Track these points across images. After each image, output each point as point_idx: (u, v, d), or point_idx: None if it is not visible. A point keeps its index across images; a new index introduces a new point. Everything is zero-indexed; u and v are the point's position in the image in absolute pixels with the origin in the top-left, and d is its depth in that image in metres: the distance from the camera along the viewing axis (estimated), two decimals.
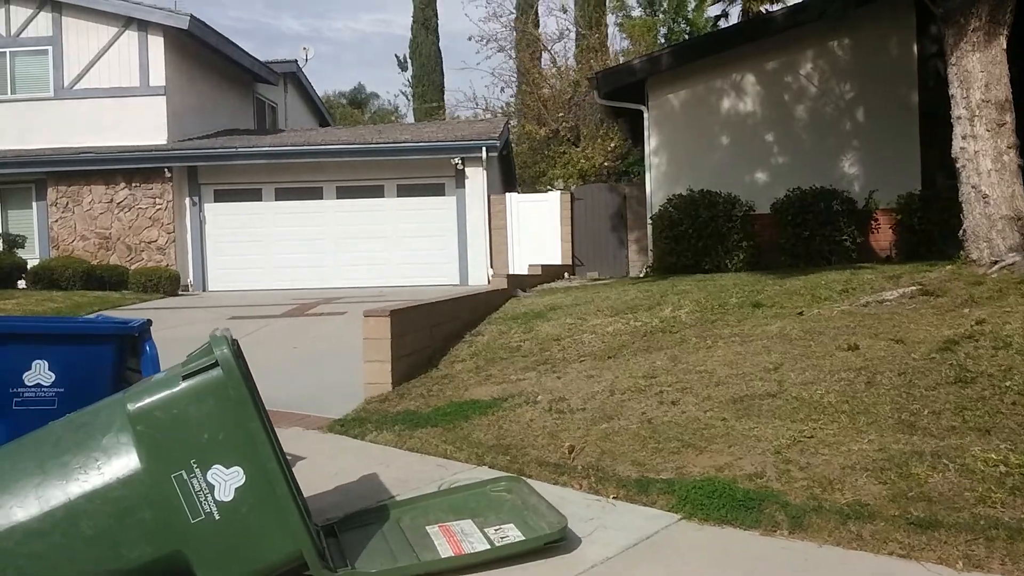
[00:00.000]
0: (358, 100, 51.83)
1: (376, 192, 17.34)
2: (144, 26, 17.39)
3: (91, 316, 5.15)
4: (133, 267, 16.71)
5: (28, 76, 17.70)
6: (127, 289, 15.82)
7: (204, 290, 17.15)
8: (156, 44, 17.42)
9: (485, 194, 16.52)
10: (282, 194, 17.50)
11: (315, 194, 17.48)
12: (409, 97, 40.25)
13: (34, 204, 17.62)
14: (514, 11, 25.12)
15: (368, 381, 6.04)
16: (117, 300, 13.80)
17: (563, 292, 10.07)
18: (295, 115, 25.15)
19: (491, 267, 16.52)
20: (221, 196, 17.61)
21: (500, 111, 23.25)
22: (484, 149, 16.14)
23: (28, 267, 16.03)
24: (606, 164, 20.92)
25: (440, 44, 36.25)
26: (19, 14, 17.61)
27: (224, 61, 19.72)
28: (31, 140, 17.46)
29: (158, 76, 17.51)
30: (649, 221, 10.71)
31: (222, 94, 20.37)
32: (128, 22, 17.40)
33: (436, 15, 36.77)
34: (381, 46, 64.15)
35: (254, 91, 22.21)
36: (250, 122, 21.74)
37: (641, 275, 10.95)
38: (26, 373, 3.59)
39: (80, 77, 17.57)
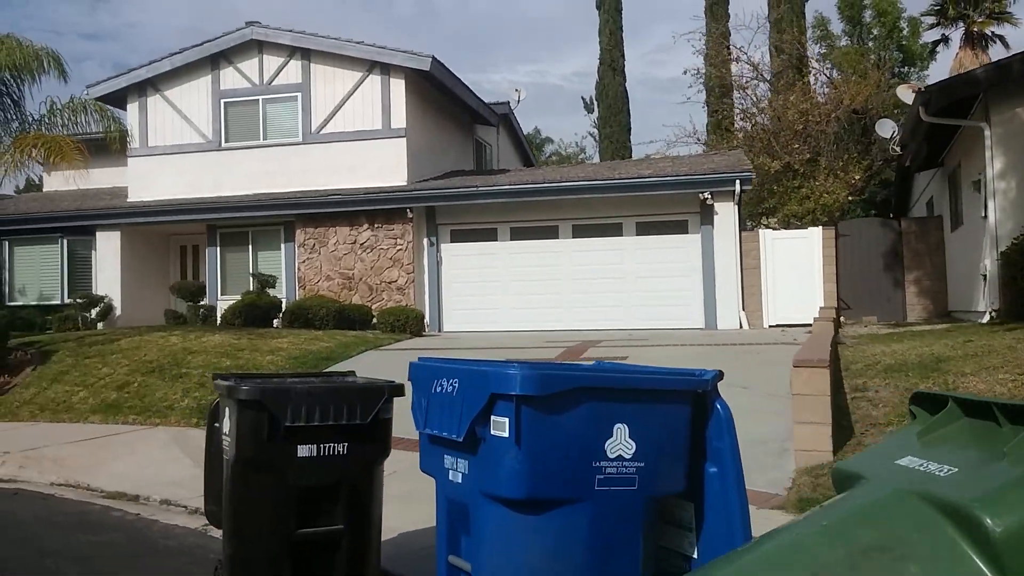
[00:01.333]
0: (532, 143, 52.34)
1: (614, 230, 16.67)
2: (387, 69, 17.74)
3: (642, 366, 4.39)
4: (374, 307, 16.84)
5: (278, 122, 18.47)
6: (373, 329, 15.89)
7: (440, 330, 17.00)
8: (397, 87, 17.71)
9: (736, 231, 15.44)
10: (517, 234, 17.17)
11: (551, 233, 17.04)
12: (596, 139, 39.89)
13: (282, 245, 18.23)
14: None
15: (801, 448, 5.11)
16: (374, 340, 13.75)
17: (898, 340, 8.78)
18: (505, 156, 25.18)
19: (743, 310, 15.33)
20: (457, 236, 17.53)
21: (724, 145, 22.11)
22: (738, 182, 15.11)
23: (282, 306, 16.49)
24: (851, 198, 19.28)
25: (626, 85, 35.94)
26: (271, 63, 18.47)
27: (452, 102, 19.89)
28: (280, 184, 18.11)
29: (399, 118, 17.76)
30: (997, 259, 9.31)
31: (449, 136, 20.55)
32: (372, 66, 17.81)
33: (623, 56, 36.44)
34: (553, 91, 64.69)
35: (473, 132, 22.33)
36: (470, 163, 21.83)
37: (983, 321, 9.49)
38: (608, 442, 2.89)
39: (327, 122, 18.13)
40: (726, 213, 15.50)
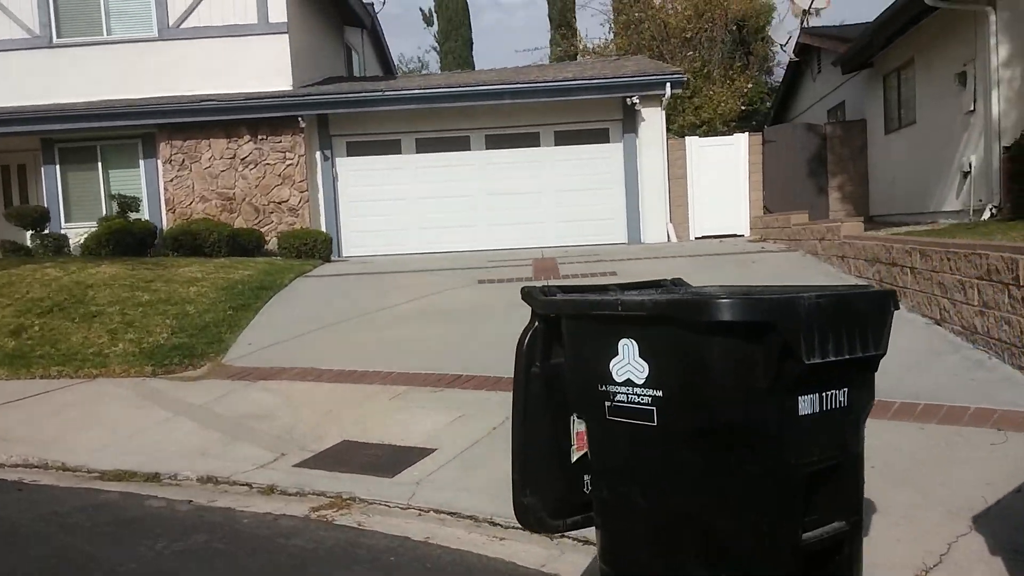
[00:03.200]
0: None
1: (531, 140, 15.57)
2: None
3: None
4: (264, 230, 14.78)
5: (126, 13, 15.41)
6: (270, 255, 13.93)
7: (339, 255, 15.25)
8: None
9: (663, 138, 14.89)
10: (424, 145, 15.62)
11: (461, 144, 15.64)
12: (439, 53, 38.14)
13: (141, 162, 15.46)
14: None
15: None
16: (298, 267, 11.91)
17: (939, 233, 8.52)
18: (370, 66, 23.04)
19: (670, 222, 14.94)
20: (355, 149, 15.68)
21: (608, 51, 21.46)
22: (668, 85, 14.45)
23: (156, 233, 14.02)
24: (743, 108, 19.40)
25: None
26: None
27: None
28: (133, 88, 15.23)
29: (278, 10, 15.35)
30: (1003, 152, 9.26)
31: (323, 37, 18.27)
32: None
33: None
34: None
35: (343, 35, 20.07)
36: (342, 69, 19.66)
37: (982, 219, 9.48)
38: None
39: (188, 13, 15.34)
40: (653, 119, 14.86)
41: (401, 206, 15.51)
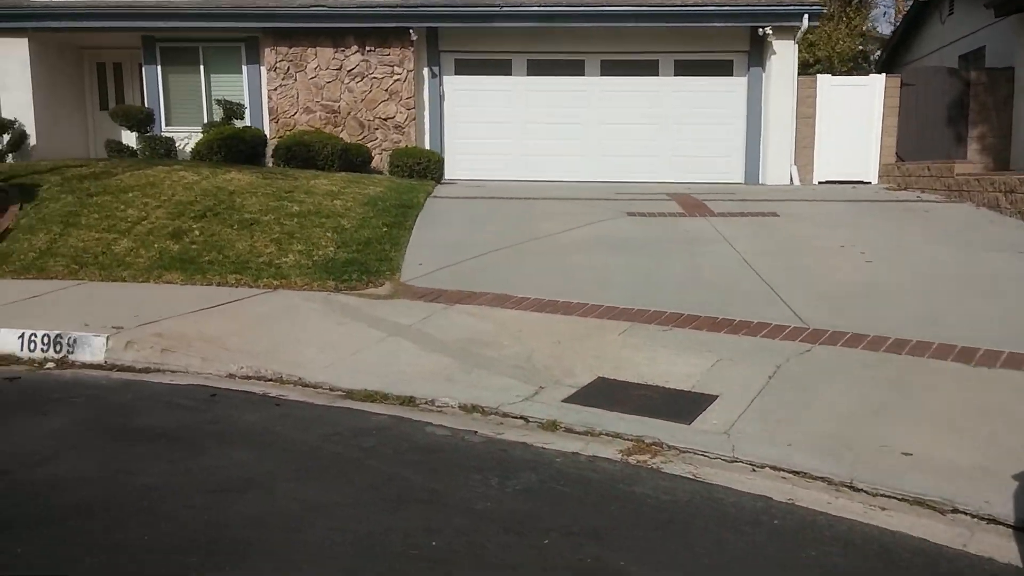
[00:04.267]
0: None
1: (649, 69, 14.79)
2: None
3: None
4: (369, 147, 14.29)
5: None
6: (378, 172, 13.50)
7: (444, 178, 14.74)
8: None
9: (794, 74, 14.05)
10: (536, 68, 14.90)
11: (575, 69, 14.91)
12: None
13: (244, 67, 14.92)
14: None
15: None
16: (419, 186, 11.45)
17: None
18: None
19: (794, 164, 14.23)
20: (463, 67, 15.00)
21: None
22: (806, 17, 13.57)
23: (266, 142, 13.60)
24: (861, 47, 18.36)
25: None
26: None
27: None
28: None
29: None
30: None
31: None
32: None
33: None
34: None
35: None
36: None
37: None
38: None
39: None
40: (785, 53, 14.02)
41: (509, 130, 14.90)
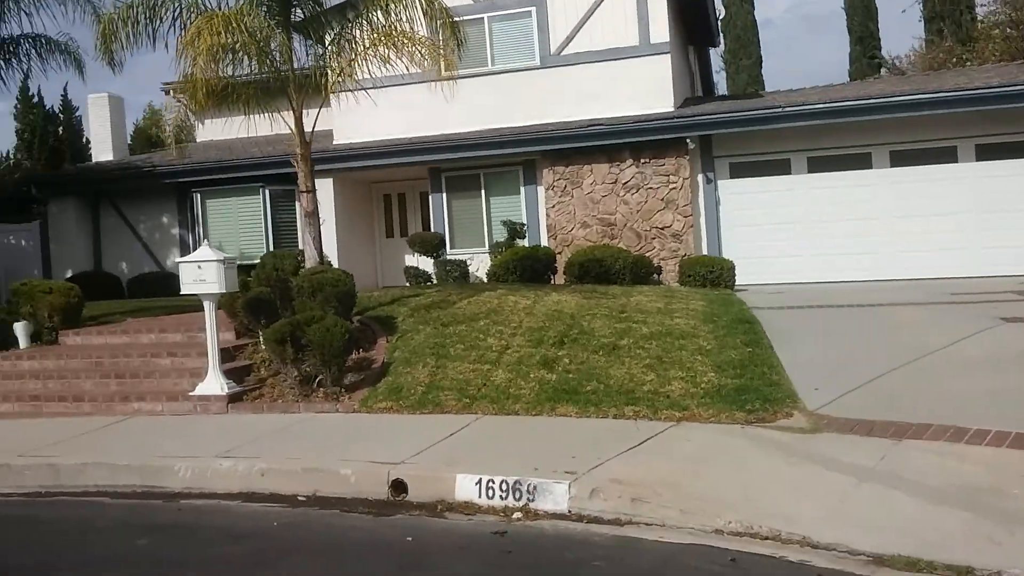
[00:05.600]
0: None
1: (946, 156, 13.74)
2: None
3: None
4: (648, 255, 14.14)
5: (509, 45, 15.54)
6: (660, 284, 13.27)
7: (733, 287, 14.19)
8: None
9: None
10: (817, 164, 14.29)
11: (860, 162, 14.13)
12: (726, 72, 36.72)
13: (522, 189, 15.48)
14: None
15: None
16: (729, 297, 11.02)
17: None
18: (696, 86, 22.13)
19: None
20: (738, 171, 14.72)
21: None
22: None
23: (555, 259, 13.85)
24: None
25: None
26: None
27: (685, 12, 16.68)
28: (516, 117, 15.23)
29: (660, 30, 14.79)
30: None
31: (682, 58, 17.53)
32: None
33: None
34: None
35: (688, 54, 19.27)
36: (697, 89, 18.86)
37: None
38: None
39: (569, 40, 15.18)
40: None
41: (791, 231, 14.27)
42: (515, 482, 5.15)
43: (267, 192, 15.86)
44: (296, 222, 16.18)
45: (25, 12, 10.23)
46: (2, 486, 6.37)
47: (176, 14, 8.49)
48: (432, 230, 15.56)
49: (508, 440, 6.19)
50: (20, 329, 9.91)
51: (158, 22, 8.51)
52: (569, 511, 4.95)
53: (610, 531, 4.63)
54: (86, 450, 6.76)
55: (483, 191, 15.66)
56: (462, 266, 14.23)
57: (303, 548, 4.66)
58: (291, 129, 9.96)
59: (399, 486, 5.50)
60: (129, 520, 5.42)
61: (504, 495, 5.14)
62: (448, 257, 14.67)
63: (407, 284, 14.38)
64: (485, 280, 13.82)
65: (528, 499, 5.08)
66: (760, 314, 9.82)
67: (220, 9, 8.28)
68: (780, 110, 13.82)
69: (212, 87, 8.03)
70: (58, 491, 6.25)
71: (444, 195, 15.76)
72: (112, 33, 8.54)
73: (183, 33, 8.11)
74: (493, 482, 5.20)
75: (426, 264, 14.86)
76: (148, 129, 29.67)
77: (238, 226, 16.02)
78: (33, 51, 10.71)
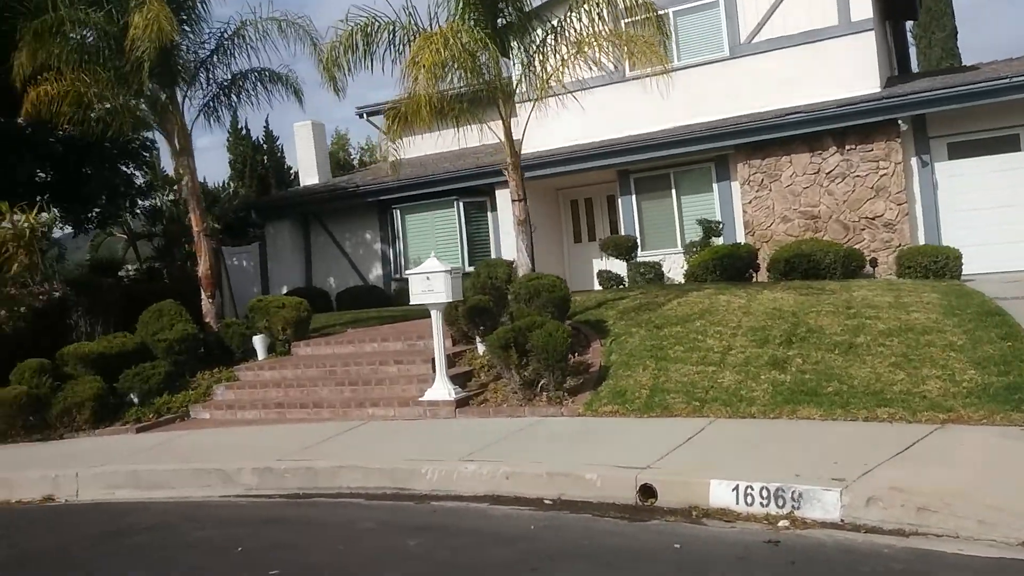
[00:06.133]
0: None
1: None
2: None
3: None
4: (858, 247, 13.25)
5: (695, 38, 15.15)
6: (868, 276, 12.37)
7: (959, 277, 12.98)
8: None
9: None
10: None
11: None
12: (916, 46, 33.97)
13: (714, 185, 15.01)
14: None
15: None
16: (960, 288, 10.05)
17: None
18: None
19: None
20: (957, 151, 13.50)
21: None
22: None
23: (757, 256, 13.31)
24: None
25: None
26: None
27: None
28: (702, 112, 14.83)
29: (862, 7, 13.89)
30: None
31: (882, 34, 16.32)
32: None
33: None
34: None
35: (891, 27, 17.91)
36: (895, 66, 17.53)
37: None
38: None
39: (760, 28, 14.57)
40: None
41: (1020, 212, 12.89)
42: (777, 489, 4.90)
43: (460, 204, 16.38)
44: (488, 232, 16.66)
45: (251, 48, 11.10)
46: (266, 488, 6.88)
47: (391, 37, 8.95)
48: (622, 232, 15.44)
49: (753, 444, 5.93)
50: (259, 342, 10.78)
51: (375, 46, 9.00)
52: (842, 520, 4.64)
53: (897, 543, 4.29)
54: (336, 454, 7.18)
55: (673, 190, 15.35)
56: (656, 267, 13.99)
57: (572, 552, 4.65)
58: (500, 139, 10.21)
59: (647, 491, 5.41)
60: (391, 521, 5.66)
61: (765, 502, 4.90)
62: (640, 259, 14.46)
63: (599, 288, 14.33)
64: (682, 281, 13.50)
65: (793, 507, 4.82)
66: (1005, 305, 8.91)
67: (436, 28, 8.60)
68: (1007, 81, 12.54)
69: (433, 103, 8.35)
70: (315, 492, 6.66)
71: (633, 197, 15.60)
72: (334, 60, 9.12)
73: (398, 55, 8.51)
74: (752, 488, 4.98)
75: (618, 267, 14.75)
76: (336, 153, 31.62)
77: (435, 238, 16.64)
78: (259, 84, 11.63)
